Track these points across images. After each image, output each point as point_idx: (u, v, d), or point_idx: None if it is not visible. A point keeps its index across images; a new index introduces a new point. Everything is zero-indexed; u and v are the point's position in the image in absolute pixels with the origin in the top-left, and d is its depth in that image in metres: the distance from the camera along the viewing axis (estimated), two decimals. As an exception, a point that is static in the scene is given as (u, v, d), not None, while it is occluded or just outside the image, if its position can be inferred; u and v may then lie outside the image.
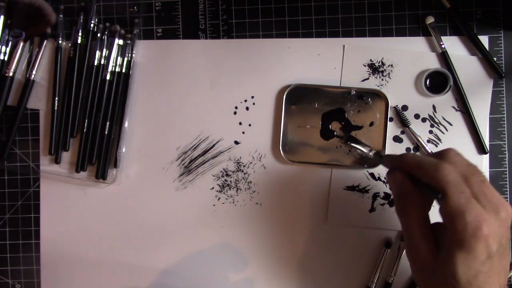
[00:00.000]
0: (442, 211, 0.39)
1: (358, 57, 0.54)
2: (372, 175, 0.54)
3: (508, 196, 0.54)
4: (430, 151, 0.53)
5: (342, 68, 0.55)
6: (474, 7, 0.54)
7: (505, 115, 0.54)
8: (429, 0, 0.54)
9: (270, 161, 0.55)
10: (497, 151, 0.54)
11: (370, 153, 0.52)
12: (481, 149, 0.54)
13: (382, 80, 0.54)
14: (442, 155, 0.41)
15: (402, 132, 0.54)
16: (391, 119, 0.54)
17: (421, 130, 0.54)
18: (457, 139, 0.54)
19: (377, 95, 0.54)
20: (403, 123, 0.54)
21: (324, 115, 0.54)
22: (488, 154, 0.54)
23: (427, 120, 0.54)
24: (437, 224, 0.40)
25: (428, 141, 0.54)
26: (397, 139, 0.54)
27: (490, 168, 0.54)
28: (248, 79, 0.55)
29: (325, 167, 0.55)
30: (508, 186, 0.54)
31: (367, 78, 0.54)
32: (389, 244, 0.54)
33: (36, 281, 0.57)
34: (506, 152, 0.54)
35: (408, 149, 0.54)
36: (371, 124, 0.54)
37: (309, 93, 0.54)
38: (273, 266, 0.55)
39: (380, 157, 0.50)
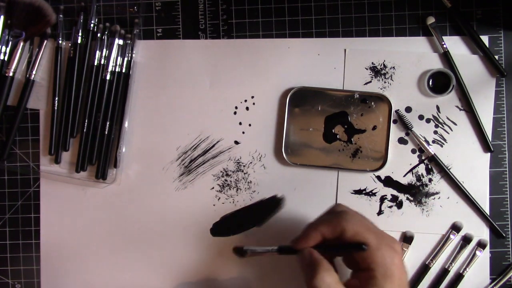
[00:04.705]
0: (356, 255, 0.42)
1: (359, 61, 0.54)
2: (378, 178, 0.54)
3: (508, 195, 0.54)
4: (433, 153, 0.53)
5: (344, 71, 0.55)
6: (474, 7, 0.54)
7: (505, 115, 0.54)
8: (429, 0, 0.54)
9: (270, 161, 0.55)
10: (497, 151, 0.54)
11: (274, 250, 0.46)
12: (486, 147, 0.54)
13: (385, 82, 0.54)
14: (334, 209, 0.46)
15: (407, 134, 0.54)
16: (395, 121, 0.54)
17: (426, 131, 0.54)
18: (462, 138, 0.54)
19: (380, 99, 0.54)
20: (406, 127, 0.54)
21: (327, 118, 0.54)
22: (489, 153, 0.54)
23: (431, 121, 0.54)
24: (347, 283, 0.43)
25: (433, 141, 0.54)
26: (402, 141, 0.54)
27: (490, 168, 0.54)
28: (248, 79, 0.55)
29: (328, 170, 0.55)
30: (508, 186, 0.54)
31: (370, 81, 0.54)
32: None
33: (36, 281, 0.57)
34: (506, 152, 0.54)
35: (413, 150, 0.54)
36: (374, 128, 0.54)
37: (313, 96, 0.54)
38: (272, 265, 0.55)
39: (286, 249, 0.45)
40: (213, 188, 0.56)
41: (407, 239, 0.54)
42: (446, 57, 0.53)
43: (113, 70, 0.55)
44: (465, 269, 0.53)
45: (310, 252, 0.43)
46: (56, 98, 0.55)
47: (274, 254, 0.45)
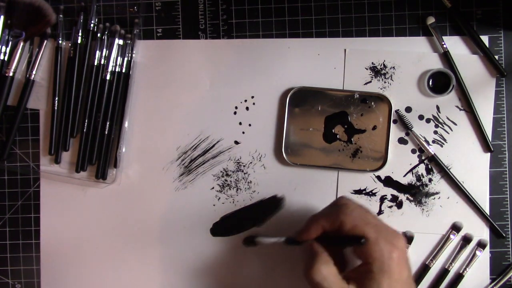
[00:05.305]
0: (355, 249, 0.43)
1: (359, 61, 0.54)
2: (378, 178, 0.54)
3: (508, 196, 0.54)
4: (433, 153, 0.53)
5: (344, 71, 0.55)
6: (474, 7, 0.54)
7: (505, 115, 0.54)
8: (429, 0, 0.54)
9: (270, 161, 0.55)
10: (497, 151, 0.54)
11: (281, 240, 0.47)
12: (486, 147, 0.54)
13: (385, 82, 0.54)
14: (336, 202, 0.46)
15: (407, 134, 0.54)
16: (395, 121, 0.54)
17: (426, 131, 0.54)
18: (461, 138, 0.54)
19: (380, 99, 0.54)
20: (406, 127, 0.54)
21: (327, 118, 0.54)
22: (489, 153, 0.54)
23: (431, 121, 0.54)
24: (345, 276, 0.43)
25: (433, 141, 0.54)
26: (402, 141, 0.54)
27: (490, 168, 0.54)
28: (248, 79, 0.55)
29: (328, 170, 0.55)
30: (508, 186, 0.54)
31: (370, 81, 0.54)
32: None
33: (36, 281, 0.57)
34: (506, 152, 0.54)
35: (413, 150, 0.54)
36: (374, 127, 0.54)
37: (313, 96, 0.54)
38: (272, 265, 0.55)
39: (291, 240, 0.47)
40: (213, 188, 0.56)
41: (407, 239, 0.54)
42: (446, 57, 0.53)
43: (113, 70, 0.55)
44: (465, 269, 0.53)
45: (310, 244, 0.44)
46: (56, 98, 0.55)
47: (281, 245, 0.47)
